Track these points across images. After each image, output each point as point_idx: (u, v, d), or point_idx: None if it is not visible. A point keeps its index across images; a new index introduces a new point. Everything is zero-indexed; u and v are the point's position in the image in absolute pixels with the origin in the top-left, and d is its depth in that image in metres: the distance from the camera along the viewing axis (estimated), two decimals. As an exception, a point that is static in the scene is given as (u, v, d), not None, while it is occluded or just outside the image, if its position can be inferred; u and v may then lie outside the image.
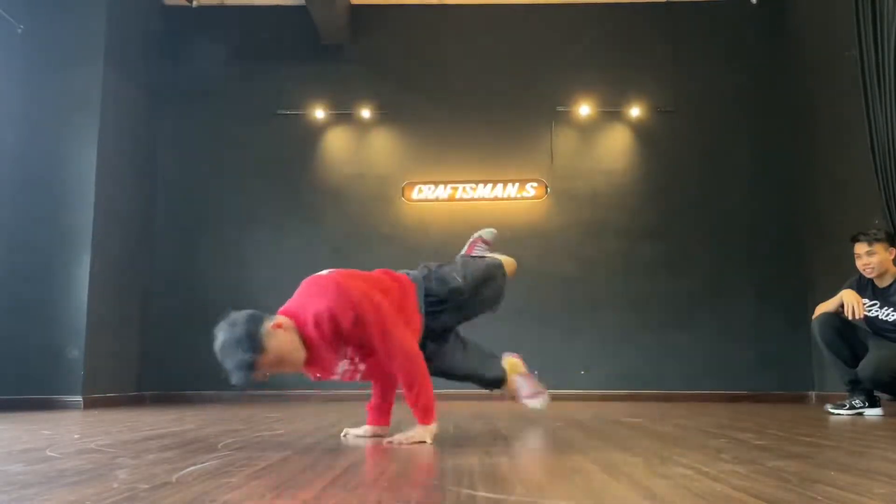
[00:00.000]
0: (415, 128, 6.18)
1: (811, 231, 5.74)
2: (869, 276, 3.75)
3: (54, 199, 5.04)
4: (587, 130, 6.18)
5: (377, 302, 2.14)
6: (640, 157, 6.13)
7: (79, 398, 4.80)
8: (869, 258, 3.72)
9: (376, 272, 2.40)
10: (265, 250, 6.01)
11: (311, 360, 2.11)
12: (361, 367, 2.24)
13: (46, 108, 5.11)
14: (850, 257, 3.96)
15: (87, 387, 4.89)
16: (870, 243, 3.73)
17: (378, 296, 2.18)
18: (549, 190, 6.06)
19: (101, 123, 5.17)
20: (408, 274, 2.46)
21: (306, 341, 2.07)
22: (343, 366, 2.20)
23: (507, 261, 2.82)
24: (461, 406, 4.45)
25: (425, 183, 6.04)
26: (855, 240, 3.81)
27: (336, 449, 2.01)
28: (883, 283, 3.75)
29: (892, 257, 3.72)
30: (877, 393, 3.74)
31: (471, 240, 2.96)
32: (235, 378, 1.95)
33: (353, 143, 6.21)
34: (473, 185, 6.03)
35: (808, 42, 5.79)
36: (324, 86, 6.20)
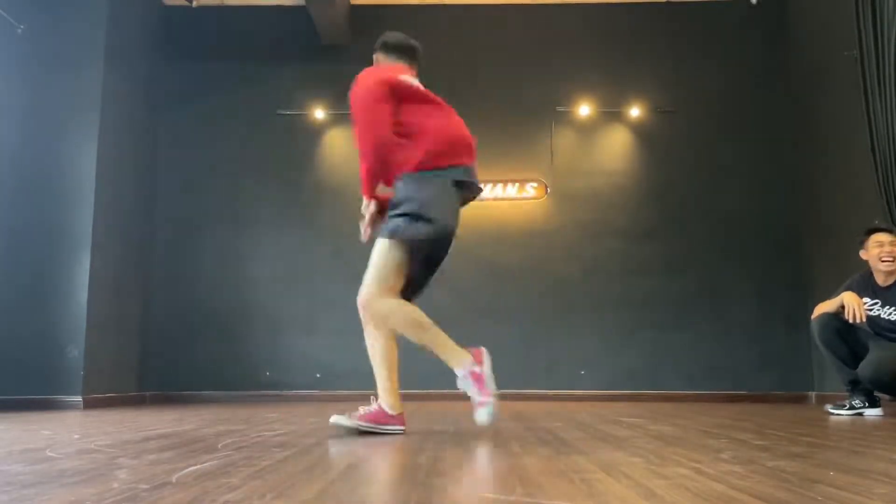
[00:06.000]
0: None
1: (811, 231, 5.74)
2: (885, 269, 3.75)
3: (54, 199, 5.04)
4: (587, 130, 6.18)
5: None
6: (640, 157, 6.13)
7: (79, 398, 4.80)
8: (893, 247, 3.75)
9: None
10: (265, 250, 6.01)
11: None
12: None
13: (46, 108, 5.11)
14: (850, 257, 3.97)
15: (87, 387, 4.90)
16: (893, 234, 3.80)
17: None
18: (549, 190, 6.06)
19: (101, 123, 5.17)
20: None
21: None
22: None
23: None
24: (461, 406, 4.45)
25: (425, 183, 6.03)
26: (876, 230, 3.83)
27: (336, 449, 2.01)
28: (886, 283, 3.76)
29: None
30: (877, 393, 3.74)
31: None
32: None
33: (353, 143, 6.20)
34: (473, 185, 6.02)
35: (808, 42, 5.79)
36: (324, 86, 6.20)
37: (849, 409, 3.74)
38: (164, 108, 6.17)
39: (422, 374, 5.79)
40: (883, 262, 3.76)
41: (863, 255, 3.88)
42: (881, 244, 3.77)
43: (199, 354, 5.84)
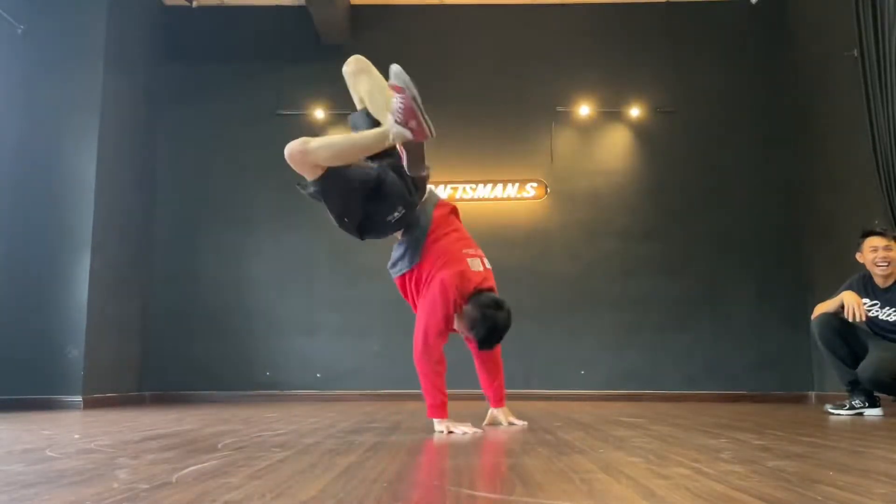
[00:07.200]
0: (415, 128, 6.16)
1: (811, 231, 5.74)
2: (881, 273, 3.75)
3: (54, 199, 5.03)
4: (587, 130, 6.18)
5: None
6: (640, 158, 6.13)
7: (79, 398, 4.80)
8: (887, 252, 3.74)
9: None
10: (265, 250, 6.01)
11: None
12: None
13: (46, 108, 5.11)
14: (850, 257, 3.97)
15: (87, 387, 4.89)
16: (890, 239, 3.78)
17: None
18: (549, 190, 6.06)
19: (101, 123, 5.16)
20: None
21: None
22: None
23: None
24: (461, 406, 4.45)
25: (425, 183, 6.04)
26: (871, 234, 3.82)
27: (336, 449, 2.01)
28: (885, 284, 3.76)
29: None
30: (877, 393, 3.75)
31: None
32: None
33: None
34: (473, 186, 6.03)
35: (808, 42, 5.79)
36: (324, 86, 6.19)
37: (849, 409, 3.74)
38: (164, 108, 6.17)
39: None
40: (878, 266, 3.76)
41: (858, 257, 3.88)
42: (875, 249, 3.77)
43: (199, 354, 5.84)
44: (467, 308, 2.65)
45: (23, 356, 4.77)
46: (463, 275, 2.65)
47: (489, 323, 2.61)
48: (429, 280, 2.66)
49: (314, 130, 6.20)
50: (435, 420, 2.63)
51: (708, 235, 5.97)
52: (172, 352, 5.85)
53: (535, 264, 5.92)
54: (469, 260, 2.73)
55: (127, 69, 5.60)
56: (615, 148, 6.17)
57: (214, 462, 1.70)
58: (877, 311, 3.74)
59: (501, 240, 5.92)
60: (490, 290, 2.74)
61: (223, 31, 6.31)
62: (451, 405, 2.68)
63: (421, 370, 2.60)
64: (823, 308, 3.82)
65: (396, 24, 6.32)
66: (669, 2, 6.22)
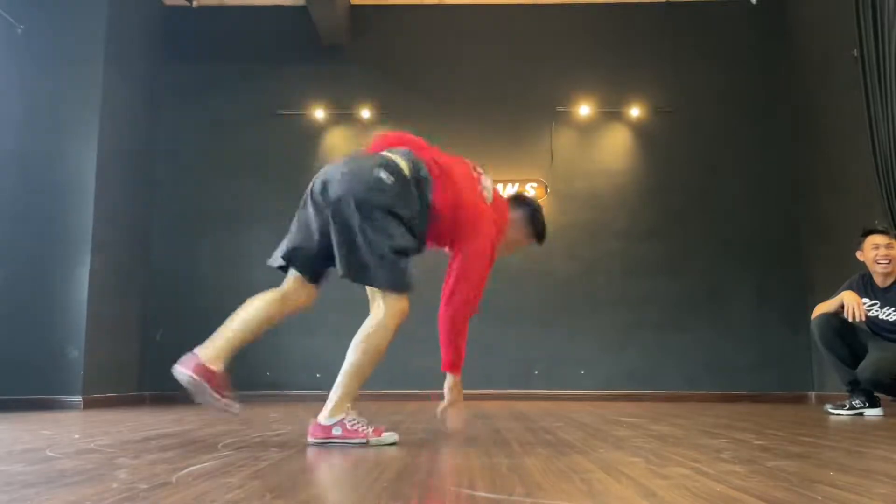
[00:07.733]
0: (415, 128, 6.07)
1: (811, 231, 5.74)
2: (882, 271, 3.75)
3: (54, 199, 5.03)
4: (587, 130, 6.18)
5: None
6: (639, 157, 6.13)
7: (79, 398, 4.80)
8: (888, 250, 3.74)
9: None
10: (265, 250, 5.96)
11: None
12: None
13: (46, 108, 5.11)
14: (850, 257, 3.97)
15: (87, 387, 4.89)
16: (891, 238, 3.80)
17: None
18: (549, 190, 6.06)
19: (100, 123, 5.16)
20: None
21: None
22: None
23: None
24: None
25: (425, 183, 6.03)
26: (872, 232, 3.83)
27: (336, 449, 2.01)
28: (885, 283, 3.76)
29: None
30: (877, 393, 3.75)
31: None
32: None
33: (353, 143, 6.20)
34: (473, 185, 6.02)
35: (808, 42, 5.79)
36: (324, 86, 6.19)
37: (849, 409, 3.74)
38: (164, 109, 6.16)
39: (422, 374, 5.80)
40: (878, 264, 3.76)
41: (859, 255, 3.89)
42: (877, 246, 3.77)
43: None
44: (515, 217, 2.61)
45: (23, 356, 4.76)
46: (498, 228, 2.55)
47: (539, 212, 2.66)
48: (463, 243, 2.49)
49: (314, 130, 6.21)
50: (449, 375, 2.51)
51: (708, 235, 5.97)
52: (172, 352, 5.83)
53: (535, 264, 5.92)
54: (485, 193, 2.57)
55: (127, 69, 5.59)
56: (615, 148, 6.17)
57: (214, 462, 1.70)
58: (877, 310, 3.74)
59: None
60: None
61: (223, 31, 6.31)
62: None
63: (458, 326, 2.44)
64: (823, 308, 3.82)
65: (396, 24, 6.32)
66: (669, 2, 6.22)
